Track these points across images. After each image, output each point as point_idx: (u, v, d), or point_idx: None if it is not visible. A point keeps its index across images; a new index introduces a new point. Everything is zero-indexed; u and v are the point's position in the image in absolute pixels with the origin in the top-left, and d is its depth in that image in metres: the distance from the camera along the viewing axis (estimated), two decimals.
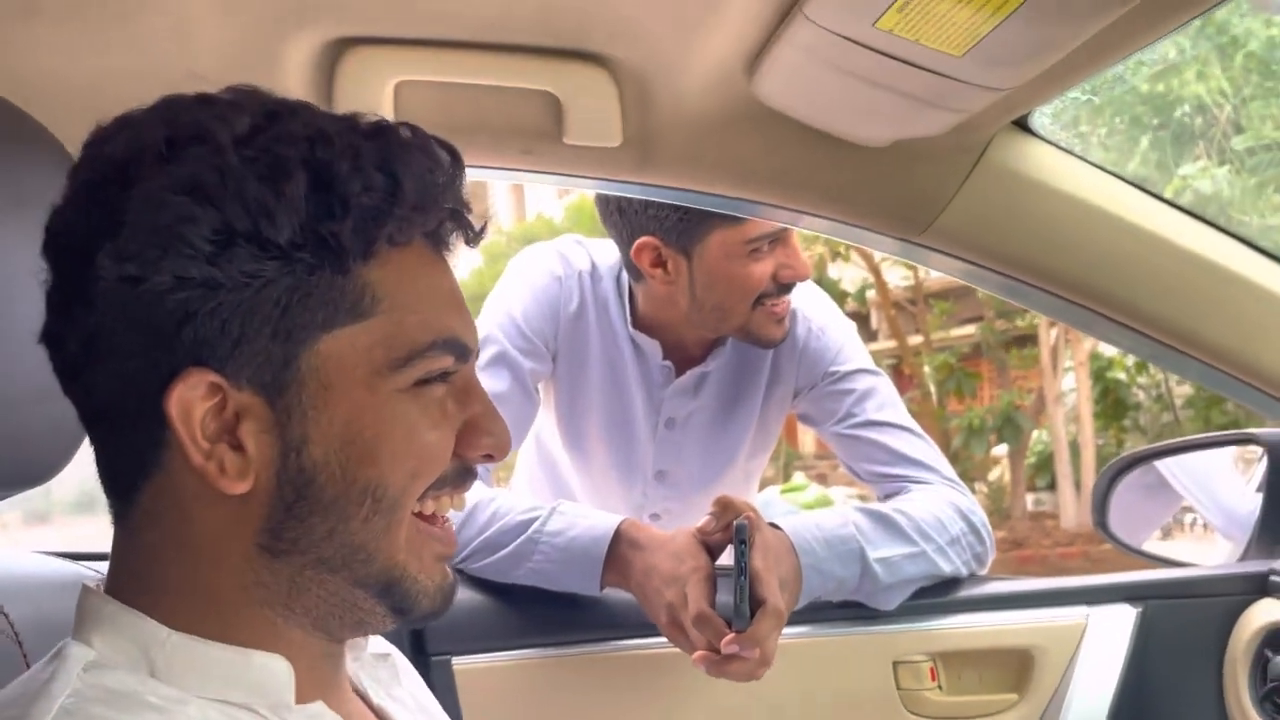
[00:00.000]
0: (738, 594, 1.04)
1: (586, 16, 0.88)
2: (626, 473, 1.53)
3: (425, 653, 1.17)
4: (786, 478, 8.90)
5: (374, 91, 0.91)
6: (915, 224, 1.05)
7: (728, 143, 0.99)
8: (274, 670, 0.60)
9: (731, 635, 1.04)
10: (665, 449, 1.51)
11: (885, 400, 1.42)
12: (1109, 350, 9.32)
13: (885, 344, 11.03)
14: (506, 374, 1.36)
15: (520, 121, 0.97)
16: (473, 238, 0.65)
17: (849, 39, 0.79)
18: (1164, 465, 1.60)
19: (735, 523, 1.08)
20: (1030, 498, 9.84)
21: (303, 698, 0.61)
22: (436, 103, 0.95)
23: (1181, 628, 1.18)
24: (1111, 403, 9.63)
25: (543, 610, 1.19)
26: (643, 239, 1.33)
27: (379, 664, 0.73)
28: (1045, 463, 10.33)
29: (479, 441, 0.64)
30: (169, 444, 0.57)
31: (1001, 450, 9.74)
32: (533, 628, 1.19)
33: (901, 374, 9.99)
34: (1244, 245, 1.11)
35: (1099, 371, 9.41)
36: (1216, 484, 1.61)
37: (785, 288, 1.35)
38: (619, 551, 1.17)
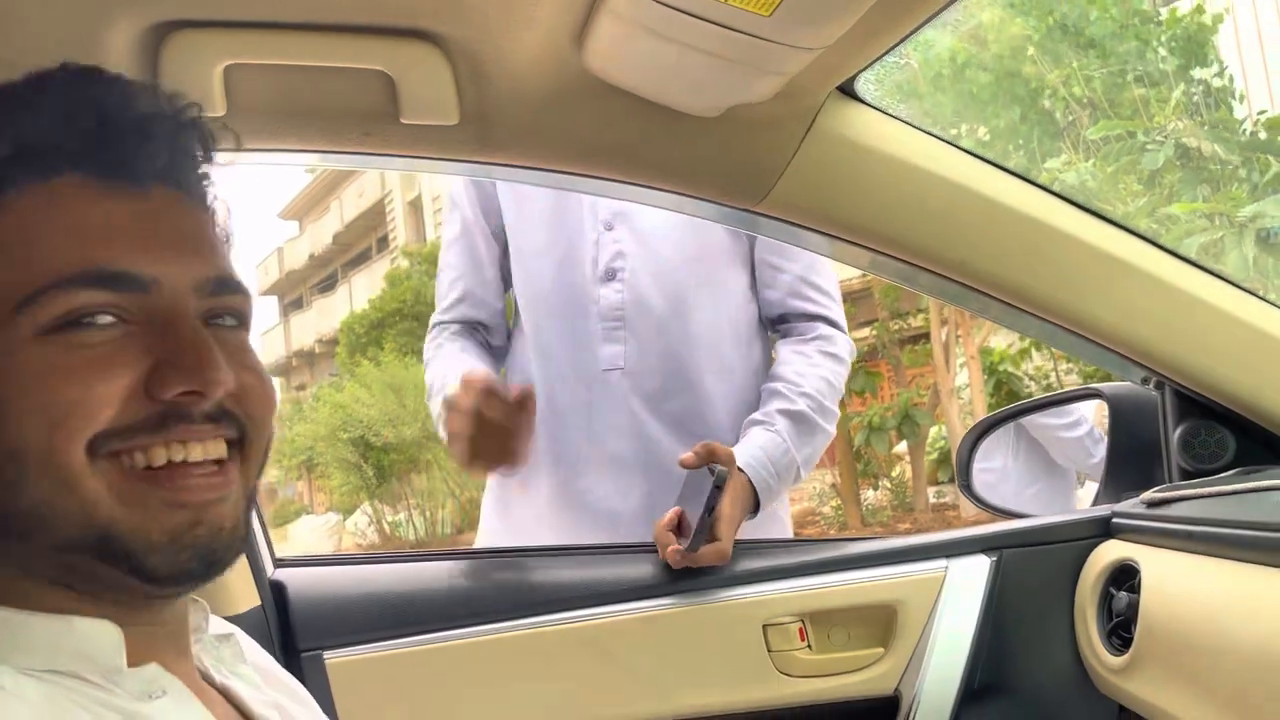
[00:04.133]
0: (700, 523, 1.17)
1: None
2: (577, 280, 1.51)
3: (295, 649, 1.16)
4: None
5: (202, 76, 0.90)
6: (753, 193, 1.09)
7: (564, 118, 1.01)
8: (99, 634, 0.59)
9: (676, 549, 1.20)
10: (606, 247, 1.51)
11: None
12: (999, 343, 9.63)
13: None
14: (462, 245, 1.57)
15: (357, 103, 0.97)
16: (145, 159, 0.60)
17: (662, 3, 0.81)
18: (1023, 425, 1.67)
19: (717, 469, 1.18)
20: (933, 490, 10.06)
21: (136, 662, 0.60)
22: (269, 86, 0.95)
23: (1034, 573, 1.23)
24: (1005, 394, 9.92)
25: (413, 599, 1.19)
26: None
27: (221, 644, 0.72)
28: (947, 457, 10.59)
29: (169, 379, 0.58)
30: None
31: (904, 448, 9.96)
32: (403, 617, 1.18)
33: None
34: (1068, 203, 1.16)
35: (991, 365, 9.69)
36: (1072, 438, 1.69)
37: None
38: None
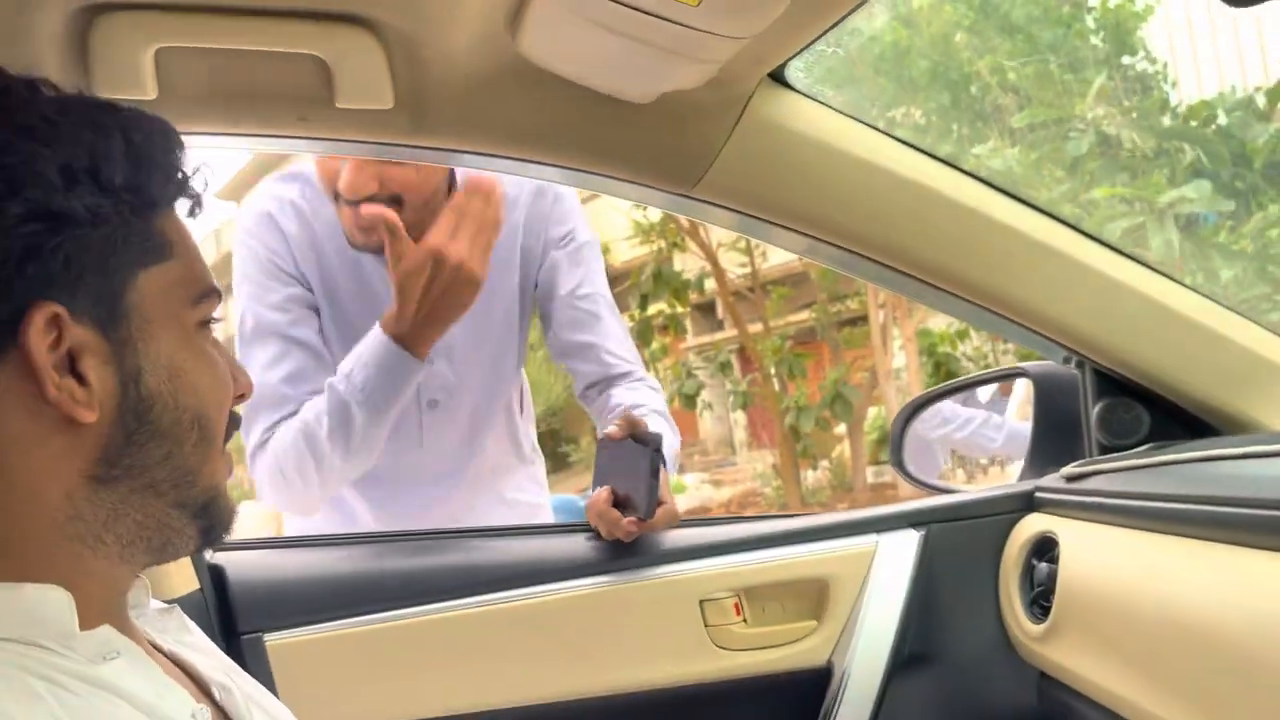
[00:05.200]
0: (649, 489, 1.19)
1: None
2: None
3: (235, 632, 1.16)
4: None
5: (132, 59, 0.89)
6: (687, 179, 1.11)
7: (499, 102, 1.02)
8: (50, 599, 0.61)
9: (632, 520, 1.21)
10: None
11: (603, 279, 1.57)
12: (939, 326, 9.78)
13: (731, 332, 11.27)
14: (271, 339, 1.42)
15: (291, 87, 0.97)
16: (195, 209, 0.73)
17: None
18: (953, 403, 1.72)
19: (651, 435, 1.22)
20: (872, 470, 10.21)
21: (87, 626, 0.62)
22: (202, 70, 0.95)
23: (960, 546, 1.27)
24: (944, 375, 10.08)
25: (353, 581, 1.20)
26: None
27: (164, 616, 0.75)
28: (885, 437, 10.74)
29: (241, 383, 0.73)
30: None
31: (843, 429, 10.08)
32: (345, 598, 1.19)
33: (746, 359, 10.23)
34: (994, 190, 1.20)
35: (930, 347, 9.85)
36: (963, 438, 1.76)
37: (351, 200, 1.39)
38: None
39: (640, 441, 1.23)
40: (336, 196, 1.42)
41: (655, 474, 1.20)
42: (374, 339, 1.35)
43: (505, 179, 1.47)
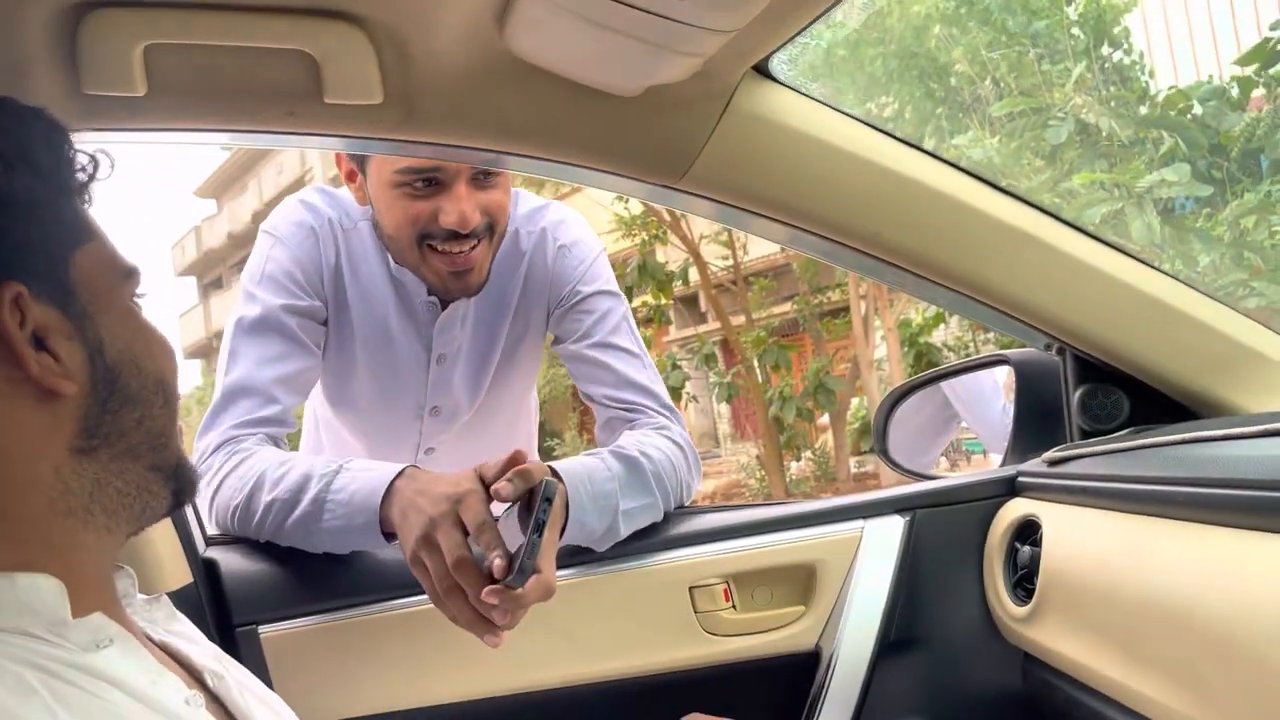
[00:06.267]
0: (527, 551, 0.98)
1: None
2: (401, 415, 1.54)
3: (229, 625, 1.17)
4: None
5: (121, 56, 0.89)
6: (673, 171, 1.12)
7: (487, 97, 1.02)
8: (41, 588, 0.61)
9: (495, 587, 0.99)
10: (439, 385, 1.53)
11: (619, 323, 1.48)
12: (917, 316, 9.83)
13: (714, 325, 11.30)
14: (274, 335, 1.36)
15: (280, 83, 0.97)
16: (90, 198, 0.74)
17: None
18: (947, 390, 1.74)
19: (545, 480, 1.01)
20: (854, 460, 10.27)
21: (79, 613, 0.62)
22: (191, 66, 0.95)
23: (945, 531, 1.29)
24: (924, 365, 10.14)
25: (346, 570, 1.21)
26: None
27: (152, 606, 0.75)
28: (868, 427, 10.80)
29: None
30: None
31: (826, 420, 10.14)
32: (337, 589, 1.20)
33: (730, 352, 10.26)
34: (975, 179, 1.22)
35: (911, 337, 9.91)
36: (985, 405, 1.76)
37: (451, 234, 1.35)
38: (395, 486, 1.12)
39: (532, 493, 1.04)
40: (422, 238, 1.36)
41: (539, 528, 0.98)
42: (371, 497, 1.14)
43: (521, 238, 1.49)
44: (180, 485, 0.72)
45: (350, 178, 1.41)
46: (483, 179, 1.36)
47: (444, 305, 1.47)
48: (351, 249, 1.45)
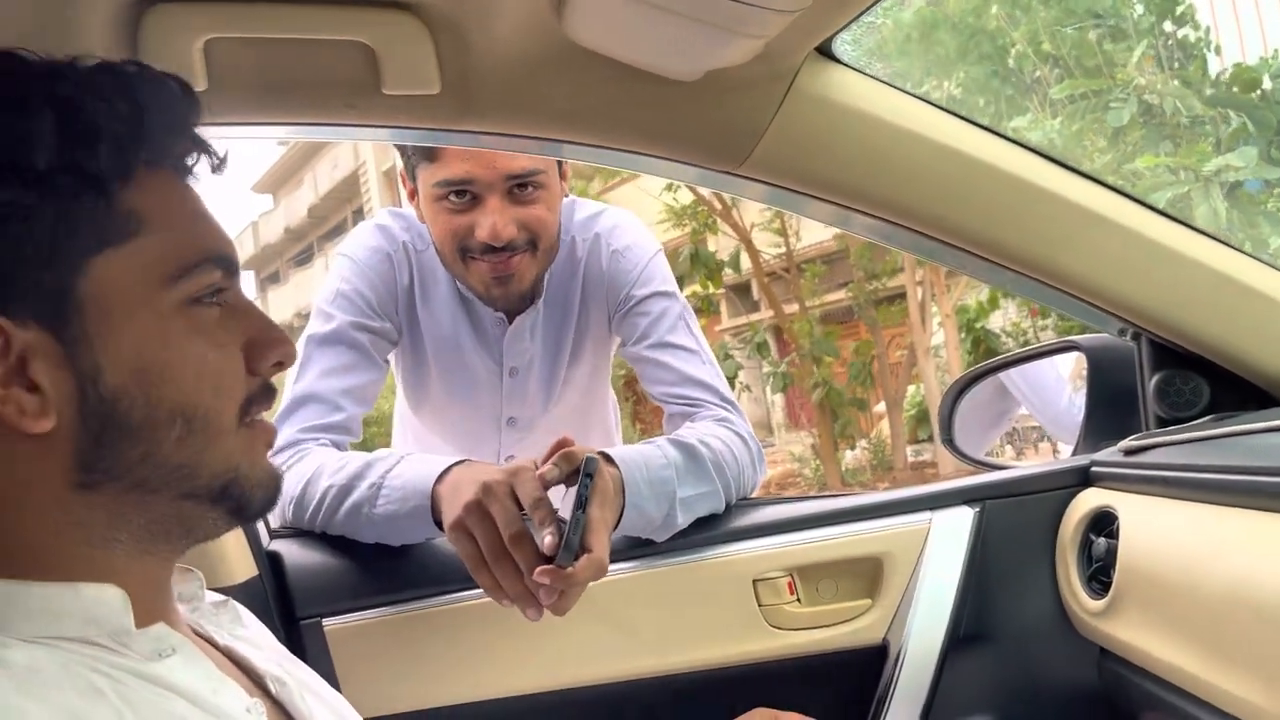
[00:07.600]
0: (571, 526, 0.99)
1: None
2: (479, 426, 1.57)
3: (294, 617, 1.17)
4: None
5: (182, 51, 0.90)
6: (735, 156, 1.10)
7: (545, 85, 1.01)
8: (106, 599, 0.61)
9: (548, 567, 0.99)
10: (513, 396, 1.56)
11: (676, 322, 1.48)
12: (973, 303, 9.69)
13: (767, 313, 11.24)
14: (344, 348, 1.38)
15: (338, 75, 0.97)
16: (218, 165, 0.68)
17: None
18: (1004, 378, 1.69)
19: (586, 455, 1.04)
20: (911, 449, 10.17)
21: (141, 623, 0.62)
22: (250, 60, 0.95)
23: (1015, 522, 1.26)
24: (983, 351, 10.01)
25: (410, 564, 1.21)
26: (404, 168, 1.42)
27: (219, 610, 0.75)
28: (925, 415, 10.69)
29: (266, 354, 0.67)
30: None
31: (882, 408, 10.04)
32: (400, 582, 1.20)
33: (783, 340, 10.20)
34: (1042, 158, 1.18)
35: (969, 323, 9.77)
36: (1048, 393, 1.72)
37: (487, 248, 1.36)
38: (449, 470, 1.12)
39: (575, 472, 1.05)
40: (464, 252, 1.39)
41: (582, 504, 1.00)
42: (425, 481, 1.15)
43: (576, 245, 1.50)
44: (238, 503, 0.65)
45: (412, 196, 1.44)
46: (519, 192, 1.36)
47: (510, 319, 1.49)
48: (424, 271, 1.47)
